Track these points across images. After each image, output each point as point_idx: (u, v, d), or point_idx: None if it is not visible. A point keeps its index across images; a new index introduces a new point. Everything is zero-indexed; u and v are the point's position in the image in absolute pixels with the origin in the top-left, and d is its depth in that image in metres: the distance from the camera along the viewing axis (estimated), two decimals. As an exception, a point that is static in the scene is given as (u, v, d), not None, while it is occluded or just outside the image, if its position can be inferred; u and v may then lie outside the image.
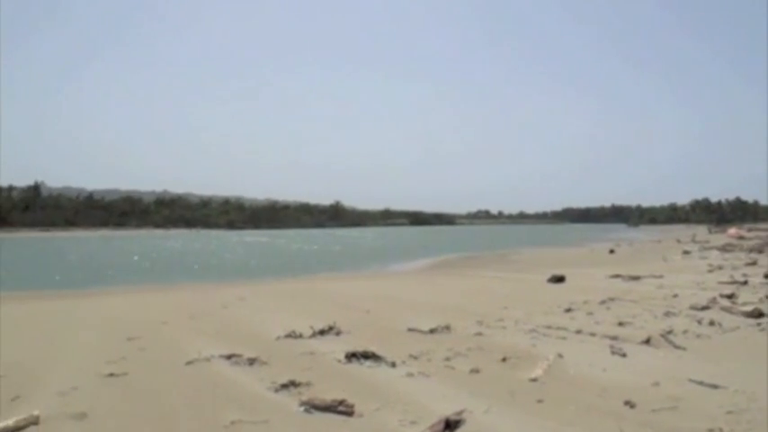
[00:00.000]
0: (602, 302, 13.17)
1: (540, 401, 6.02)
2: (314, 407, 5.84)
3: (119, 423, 5.44)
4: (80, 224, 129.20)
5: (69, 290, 21.40)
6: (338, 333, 9.82)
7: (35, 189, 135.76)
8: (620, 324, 10.34)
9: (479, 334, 9.65)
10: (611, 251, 41.45)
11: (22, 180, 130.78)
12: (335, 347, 8.53)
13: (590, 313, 11.71)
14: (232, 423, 5.41)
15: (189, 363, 7.70)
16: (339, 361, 7.75)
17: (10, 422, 5.25)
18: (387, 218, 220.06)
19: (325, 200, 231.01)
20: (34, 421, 5.37)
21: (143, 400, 6.15)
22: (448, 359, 7.83)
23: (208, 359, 7.87)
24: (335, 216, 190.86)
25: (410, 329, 10.08)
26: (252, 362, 7.72)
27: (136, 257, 43.18)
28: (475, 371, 7.21)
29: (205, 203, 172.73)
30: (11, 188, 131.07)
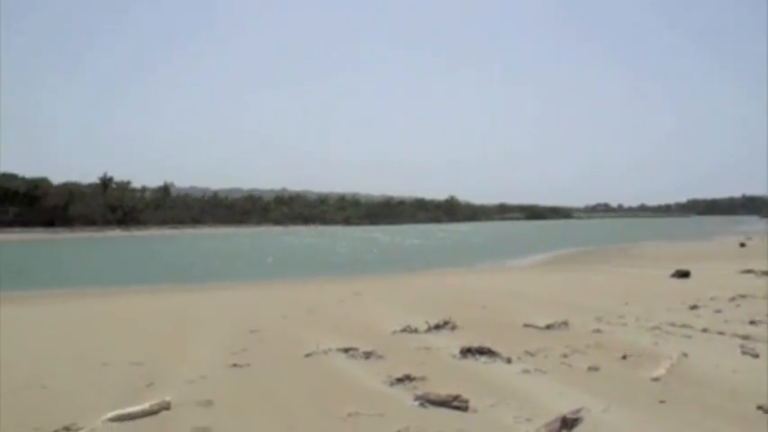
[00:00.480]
0: (732, 299, 12.48)
1: (662, 402, 5.79)
2: (429, 401, 5.88)
3: (242, 410, 5.69)
4: (205, 222, 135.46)
5: (197, 284, 22.52)
6: (453, 328, 9.83)
7: (165, 190, 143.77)
8: (753, 323, 9.76)
9: (598, 330, 9.38)
10: (742, 244, 39.17)
11: (153, 181, 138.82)
12: (450, 342, 8.54)
13: (718, 311, 11.12)
14: (349, 415, 5.53)
15: (307, 355, 7.93)
16: (454, 356, 7.75)
17: (146, 406, 5.63)
18: (502, 212, 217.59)
19: (440, 195, 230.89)
20: (166, 407, 5.71)
21: (264, 389, 6.40)
22: (565, 356, 7.67)
23: (325, 352, 8.08)
24: (450, 211, 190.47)
25: (526, 325, 9.95)
26: (368, 355, 7.85)
27: (263, 254, 44.79)
28: (593, 368, 7.02)
29: (322, 200, 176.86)
30: (144, 189, 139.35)
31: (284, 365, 7.46)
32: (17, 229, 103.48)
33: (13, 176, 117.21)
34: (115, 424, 5.32)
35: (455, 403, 5.76)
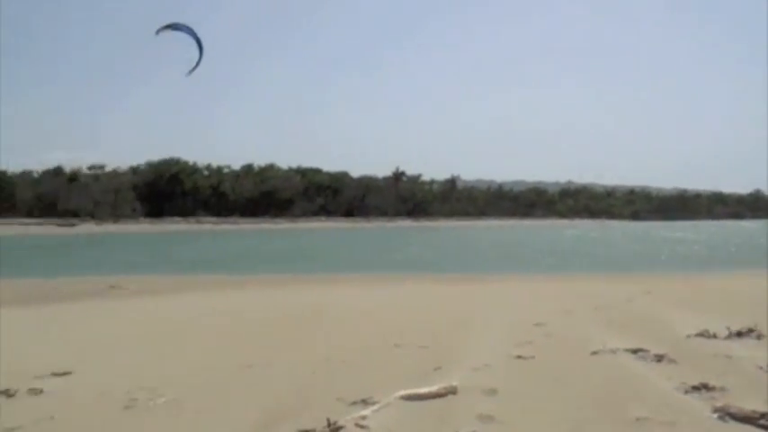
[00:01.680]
0: None
1: None
2: (729, 415, 5.34)
3: (526, 402, 5.68)
4: (490, 214, 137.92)
5: (482, 273, 23.01)
6: (759, 336, 8.82)
7: (452, 182, 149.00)
8: None
9: None
10: None
11: (441, 174, 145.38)
12: (756, 353, 7.68)
13: None
14: (637, 419, 5.24)
15: (594, 353, 7.67)
16: (760, 368, 6.96)
17: (434, 388, 5.89)
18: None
19: (741, 188, 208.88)
20: (453, 391, 5.92)
21: (549, 383, 6.32)
22: None
23: (613, 351, 7.74)
24: (755, 206, 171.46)
25: None
26: (659, 358, 7.37)
27: (549, 245, 44.47)
28: None
29: (609, 193, 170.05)
30: (432, 182, 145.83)
31: (570, 361, 7.30)
32: (323, 218, 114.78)
33: (318, 171, 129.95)
34: (406, 402, 5.63)
35: (762, 422, 5.16)
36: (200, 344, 8.86)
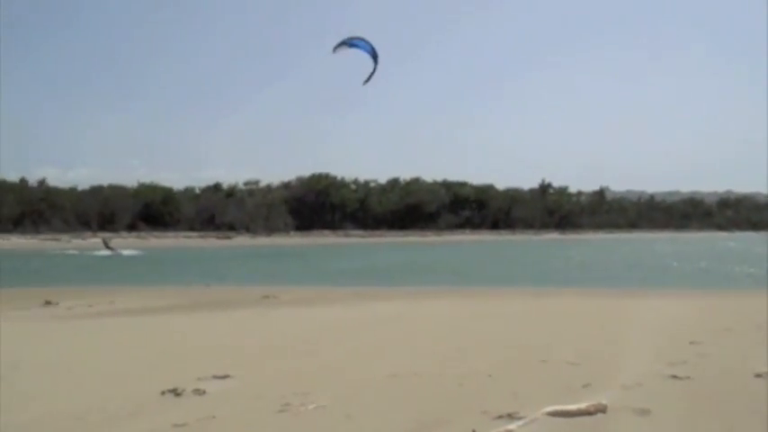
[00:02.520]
0: None
1: None
2: None
3: (681, 424, 5.41)
4: (641, 226, 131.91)
5: (633, 288, 22.07)
6: None
7: (600, 194, 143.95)
8: None
9: None
10: None
11: (589, 186, 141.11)
12: None
13: None
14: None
15: (758, 375, 7.17)
16: None
17: (582, 406, 5.75)
18: None
19: None
20: (602, 409, 5.74)
21: (707, 406, 5.98)
22: None
23: (777, 374, 7.21)
24: None
25: None
26: (834, 383, 6.77)
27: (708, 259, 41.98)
28: None
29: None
30: (579, 193, 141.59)
31: (730, 383, 6.86)
32: (468, 231, 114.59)
33: (463, 184, 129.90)
34: (553, 418, 5.53)
35: None
36: (348, 353, 9.14)
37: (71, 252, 58.17)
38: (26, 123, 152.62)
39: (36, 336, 11.95)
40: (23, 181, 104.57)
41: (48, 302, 17.46)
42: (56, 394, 6.70)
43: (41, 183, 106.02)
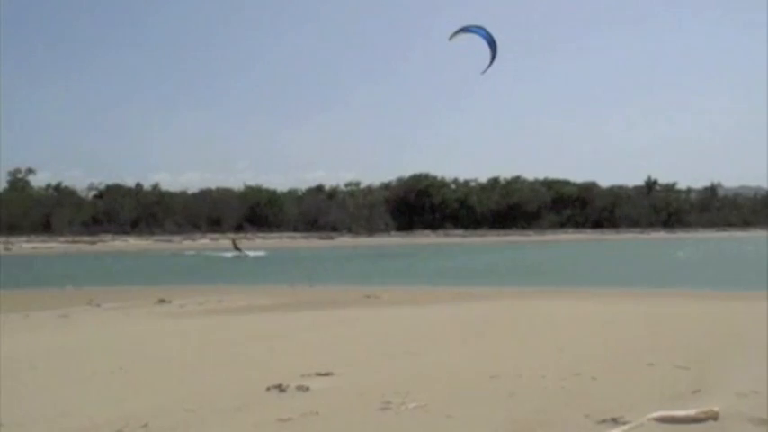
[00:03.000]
0: None
1: None
2: None
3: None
4: (757, 224, 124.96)
5: (747, 289, 20.97)
6: None
7: (711, 190, 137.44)
8: None
9: None
10: None
11: (698, 182, 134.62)
12: None
13: None
14: None
15: None
16: None
17: (692, 412, 5.52)
18: None
19: None
20: (713, 416, 5.50)
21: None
22: None
23: None
24: None
25: None
26: None
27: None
28: None
29: None
30: (689, 190, 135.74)
31: None
32: (570, 230, 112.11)
33: (565, 182, 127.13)
34: (660, 424, 5.35)
35: None
36: (449, 353, 9.14)
37: (190, 253, 60.99)
38: (141, 131, 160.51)
39: (151, 331, 12.63)
40: (139, 186, 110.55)
41: (161, 300, 18.35)
42: (169, 387, 7.05)
43: (155, 187, 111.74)
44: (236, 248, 56.02)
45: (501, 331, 11.49)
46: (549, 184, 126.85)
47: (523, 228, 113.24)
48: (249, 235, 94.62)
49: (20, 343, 11.21)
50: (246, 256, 53.22)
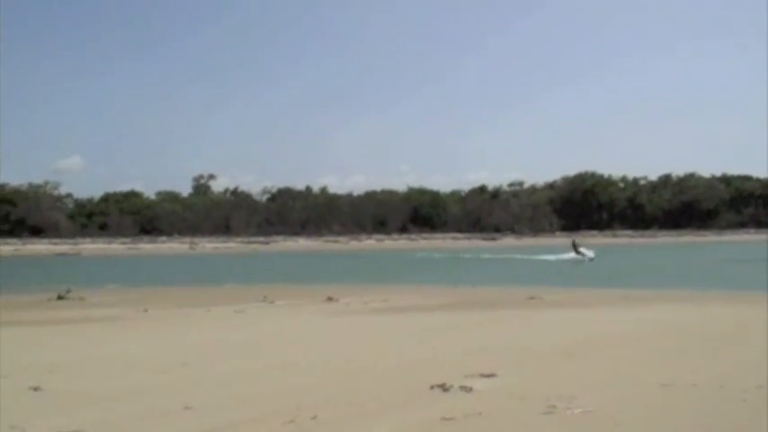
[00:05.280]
0: None
1: None
2: None
3: None
4: None
5: None
6: None
7: None
8: None
9: None
10: None
11: None
12: None
13: None
14: None
15: None
16: None
17: None
18: None
19: None
20: None
21: None
22: None
23: None
24: None
25: None
26: None
27: None
28: None
29: None
30: None
31: None
32: (752, 230, 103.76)
33: (747, 178, 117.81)
34: None
35: None
36: (616, 358, 8.77)
37: (438, 255, 62.62)
38: (309, 136, 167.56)
39: (319, 328, 13.23)
40: (308, 189, 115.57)
41: (329, 299, 19.09)
42: (336, 382, 7.33)
43: (323, 190, 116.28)
44: (577, 252, 49.43)
45: (670, 338, 10.84)
46: (727, 180, 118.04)
47: (698, 228, 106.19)
48: (413, 236, 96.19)
49: (202, 335, 12.18)
50: (588, 258, 47.33)
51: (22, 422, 5.64)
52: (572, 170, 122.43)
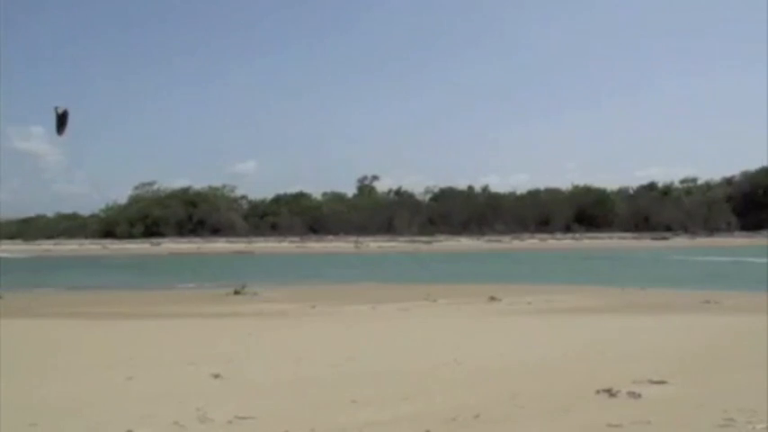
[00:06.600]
0: None
1: None
2: None
3: None
4: None
5: None
6: None
7: None
8: None
9: None
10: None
11: None
12: None
13: None
14: None
15: None
16: None
17: None
18: None
19: None
20: None
21: None
22: None
23: None
24: None
25: None
26: None
27: None
28: None
29: None
30: None
31: None
32: None
33: None
34: None
35: None
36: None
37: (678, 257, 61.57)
38: (474, 138, 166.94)
39: (481, 327, 13.21)
40: (470, 188, 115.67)
41: (492, 298, 18.98)
42: (499, 381, 7.29)
43: (485, 189, 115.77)
44: None
45: None
46: None
47: None
48: (578, 235, 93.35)
49: (368, 331, 12.57)
50: None
51: (205, 405, 6.13)
52: (753, 164, 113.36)
